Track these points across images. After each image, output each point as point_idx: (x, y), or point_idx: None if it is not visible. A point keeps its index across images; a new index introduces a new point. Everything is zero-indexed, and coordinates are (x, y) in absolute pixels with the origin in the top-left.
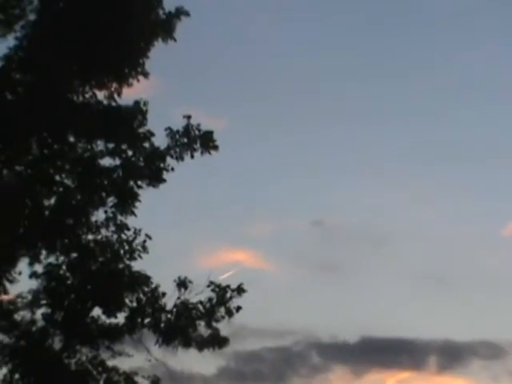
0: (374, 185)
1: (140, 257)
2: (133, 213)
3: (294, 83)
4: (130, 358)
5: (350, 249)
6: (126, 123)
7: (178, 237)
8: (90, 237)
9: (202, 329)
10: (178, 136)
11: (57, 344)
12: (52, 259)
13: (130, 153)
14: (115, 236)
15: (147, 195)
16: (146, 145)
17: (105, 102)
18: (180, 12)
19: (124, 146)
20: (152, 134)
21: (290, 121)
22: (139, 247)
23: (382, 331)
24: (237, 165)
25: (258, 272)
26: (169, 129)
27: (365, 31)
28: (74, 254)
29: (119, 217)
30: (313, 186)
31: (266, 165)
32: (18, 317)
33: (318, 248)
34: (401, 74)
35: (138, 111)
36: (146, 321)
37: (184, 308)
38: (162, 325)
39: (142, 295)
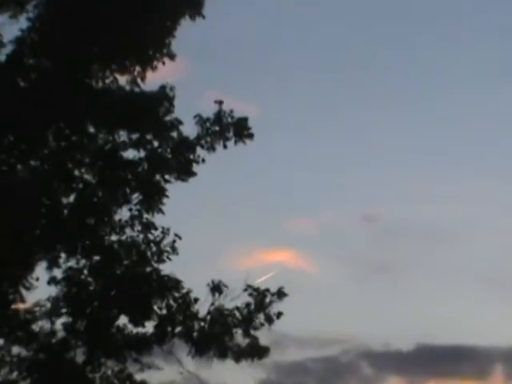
0: (432, 176)
1: (169, 259)
2: (160, 210)
3: (334, 66)
4: (160, 371)
5: (405, 247)
6: (151, 111)
7: (210, 236)
8: (114, 237)
9: (239, 337)
10: (208, 124)
11: (79, 356)
12: (72, 263)
13: (155, 144)
14: (141, 236)
15: (175, 190)
16: (174, 134)
17: (127, 87)
18: None
19: (149, 137)
20: (180, 123)
21: (334, 105)
22: (168, 248)
23: (440, 338)
24: (275, 155)
25: (300, 274)
26: (198, 116)
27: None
28: (97, 257)
29: (145, 215)
30: (363, 176)
31: (307, 154)
32: (36, 327)
33: (369, 246)
34: None
35: (163, 97)
36: (177, 330)
37: (219, 315)
38: (195, 334)
39: (172, 301)
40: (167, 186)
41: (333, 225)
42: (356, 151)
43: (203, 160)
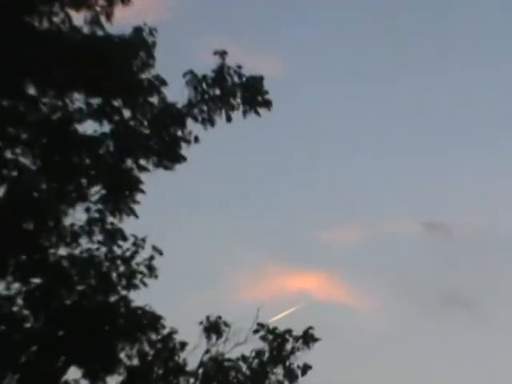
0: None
1: (144, 284)
2: (132, 212)
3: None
4: None
5: (494, 270)
6: (121, 64)
7: (205, 251)
8: (63, 251)
9: None
10: (205, 85)
11: None
12: (0, 287)
13: (126, 113)
14: (103, 250)
15: (156, 183)
16: (154, 100)
17: (85, 29)
18: None
19: (117, 103)
20: (163, 83)
21: (388, 67)
22: (143, 268)
23: None
24: (299, 133)
25: (337, 308)
26: (190, 73)
27: None
28: (37, 280)
29: (110, 218)
30: (426, 170)
31: (347, 133)
32: None
33: (439, 268)
34: None
35: (139, 44)
36: None
37: (217, 367)
38: None
39: (147, 347)
40: (143, 175)
41: (382, 237)
42: (417, 136)
43: (197, 139)
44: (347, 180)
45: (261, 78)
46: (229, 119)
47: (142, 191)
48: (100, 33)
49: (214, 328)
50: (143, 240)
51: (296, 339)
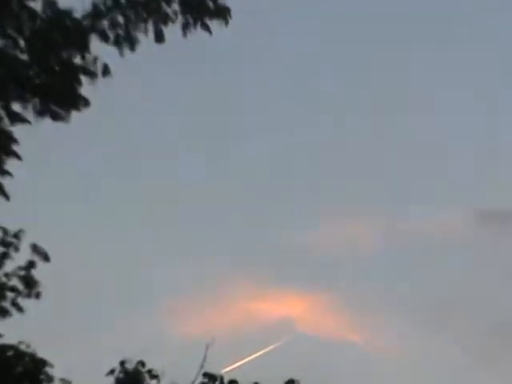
0: None
1: (18, 308)
2: (2, 192)
3: None
4: None
5: None
6: None
7: (123, 254)
8: None
9: None
10: None
11: None
12: None
13: None
14: None
15: (39, 142)
16: (36, 5)
17: None
18: None
19: None
20: None
21: None
22: (16, 281)
23: None
24: (272, 68)
25: (333, 347)
26: None
27: None
28: None
29: None
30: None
31: (346, 88)
32: None
33: (491, 286)
34: None
35: None
36: None
37: None
38: None
39: None
40: (17, 129)
41: (407, 240)
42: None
43: (107, 69)
44: (347, 157)
45: None
46: (159, 38)
47: (17, 156)
48: None
49: (132, 380)
50: (17, 236)
51: None
